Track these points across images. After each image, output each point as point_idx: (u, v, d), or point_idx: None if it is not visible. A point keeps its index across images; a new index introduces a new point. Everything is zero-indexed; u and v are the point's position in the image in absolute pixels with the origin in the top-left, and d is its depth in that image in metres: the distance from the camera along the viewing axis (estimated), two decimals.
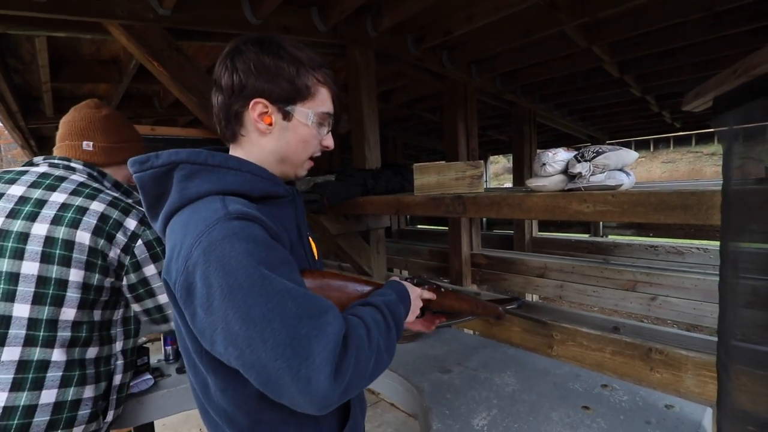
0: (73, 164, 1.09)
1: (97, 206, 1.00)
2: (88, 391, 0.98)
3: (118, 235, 1.01)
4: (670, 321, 3.87)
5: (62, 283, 0.94)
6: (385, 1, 2.21)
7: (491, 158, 10.28)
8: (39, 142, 4.79)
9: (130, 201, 1.09)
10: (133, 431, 1.42)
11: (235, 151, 0.73)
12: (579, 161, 1.23)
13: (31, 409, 0.89)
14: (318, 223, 2.25)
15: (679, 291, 2.77)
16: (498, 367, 1.34)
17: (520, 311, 1.97)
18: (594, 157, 1.20)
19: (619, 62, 3.19)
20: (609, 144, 1.75)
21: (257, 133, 0.70)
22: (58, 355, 0.94)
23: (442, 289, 0.90)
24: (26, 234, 0.94)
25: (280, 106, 0.69)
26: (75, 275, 0.95)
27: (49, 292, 0.93)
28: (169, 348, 1.53)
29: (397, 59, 2.75)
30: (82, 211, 0.98)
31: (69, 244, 0.95)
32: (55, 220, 0.96)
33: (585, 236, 5.52)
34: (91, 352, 1.00)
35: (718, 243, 0.88)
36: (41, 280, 0.93)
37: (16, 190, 0.99)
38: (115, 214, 1.02)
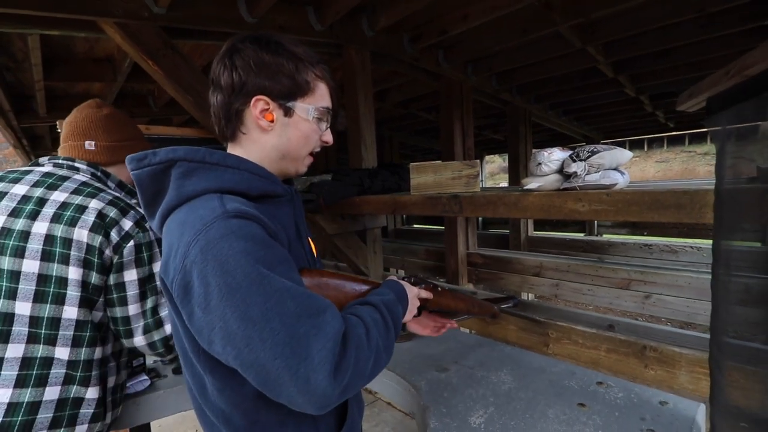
0: (76, 164, 1.09)
1: (96, 204, 1.00)
2: (91, 391, 0.98)
3: (112, 233, 1.00)
4: (664, 319, 3.91)
5: (62, 281, 0.94)
6: (381, 0, 2.21)
7: (487, 158, 10.30)
8: (31, 142, 4.74)
9: (132, 201, 1.09)
10: None
11: (233, 149, 0.72)
12: (574, 161, 1.24)
13: (35, 406, 0.90)
14: (314, 222, 2.25)
15: (673, 289, 2.80)
16: (494, 365, 1.35)
17: (516, 310, 1.98)
18: (589, 157, 1.21)
19: (613, 63, 3.21)
20: (603, 143, 1.77)
21: (259, 131, 0.70)
22: (61, 352, 0.93)
23: (439, 289, 0.90)
24: (27, 232, 0.94)
25: (281, 102, 0.69)
26: (74, 273, 0.95)
27: (49, 290, 0.93)
28: None
29: (393, 59, 2.75)
30: (81, 209, 0.98)
31: (68, 242, 0.95)
32: (55, 219, 0.96)
33: (580, 235, 5.57)
34: (97, 353, 1.00)
35: (710, 241, 0.89)
36: (42, 278, 0.93)
37: (19, 189, 0.99)
38: (112, 212, 1.02)
